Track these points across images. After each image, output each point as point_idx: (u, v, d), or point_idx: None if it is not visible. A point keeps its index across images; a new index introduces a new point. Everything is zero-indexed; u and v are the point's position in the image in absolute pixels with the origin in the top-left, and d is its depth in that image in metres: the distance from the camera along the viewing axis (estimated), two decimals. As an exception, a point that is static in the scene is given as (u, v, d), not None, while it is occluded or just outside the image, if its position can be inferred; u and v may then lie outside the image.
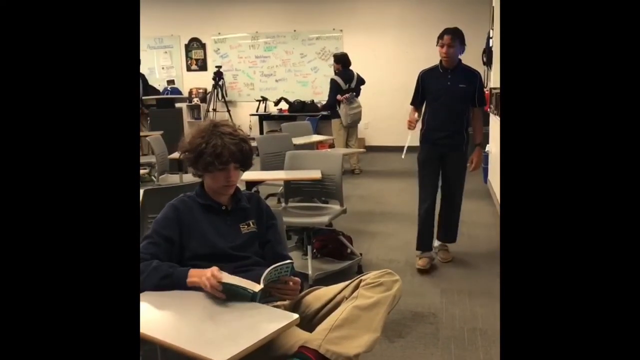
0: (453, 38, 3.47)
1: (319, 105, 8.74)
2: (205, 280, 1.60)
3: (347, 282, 1.79)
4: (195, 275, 1.66)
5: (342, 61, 6.96)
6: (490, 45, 6.24)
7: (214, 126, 1.89)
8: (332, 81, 6.97)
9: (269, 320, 1.49)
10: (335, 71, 7.04)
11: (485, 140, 3.39)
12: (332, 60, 7.55)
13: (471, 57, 7.72)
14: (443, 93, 3.57)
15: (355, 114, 6.88)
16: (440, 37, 3.51)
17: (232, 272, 1.71)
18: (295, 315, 1.49)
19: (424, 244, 3.71)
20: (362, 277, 1.75)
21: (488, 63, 6.55)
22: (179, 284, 1.66)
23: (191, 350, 1.31)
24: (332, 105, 6.97)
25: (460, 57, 3.56)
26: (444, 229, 3.84)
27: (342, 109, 6.81)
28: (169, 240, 1.79)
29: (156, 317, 1.55)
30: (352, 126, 6.95)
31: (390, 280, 1.73)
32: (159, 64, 10.18)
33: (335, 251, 3.70)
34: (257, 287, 1.59)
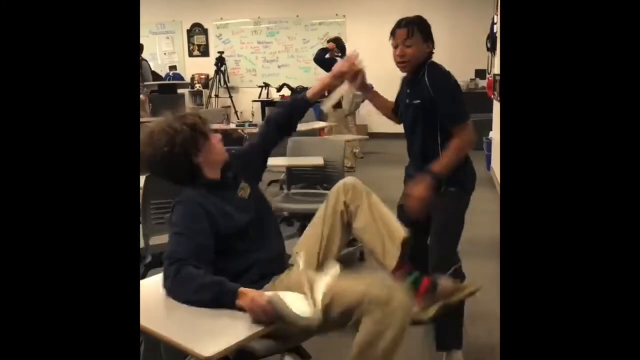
0: (410, 32, 2.23)
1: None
2: (256, 309, 1.44)
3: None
4: (247, 298, 1.49)
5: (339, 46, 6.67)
6: (495, 31, 6.19)
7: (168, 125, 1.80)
8: None
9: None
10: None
11: (456, 169, 2.26)
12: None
13: (475, 43, 7.71)
14: (403, 112, 2.45)
15: (358, 103, 6.79)
16: (392, 32, 2.30)
17: (263, 239, 1.80)
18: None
19: None
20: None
21: (492, 49, 6.49)
22: (225, 303, 1.51)
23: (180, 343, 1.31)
24: None
25: (433, 52, 2.32)
26: (439, 327, 2.42)
27: (346, 96, 6.61)
28: (202, 232, 1.69)
29: (154, 309, 1.54)
30: (352, 113, 6.88)
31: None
32: (161, 49, 10.14)
33: (337, 238, 3.69)
34: (311, 307, 1.46)
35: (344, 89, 2.38)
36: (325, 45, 6.85)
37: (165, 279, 1.60)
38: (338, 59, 6.49)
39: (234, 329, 1.39)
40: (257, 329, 1.38)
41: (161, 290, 1.60)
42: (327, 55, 6.56)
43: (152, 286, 1.62)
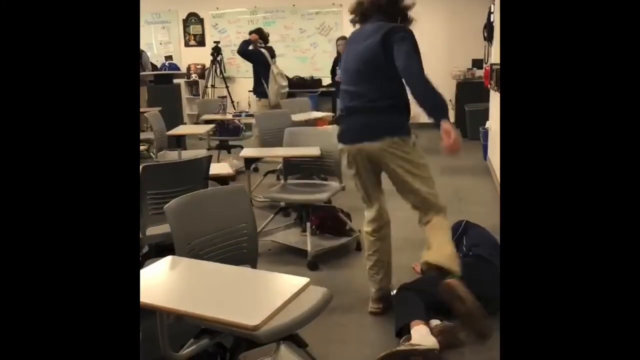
0: None
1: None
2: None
3: None
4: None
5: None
6: (492, 20, 6.17)
7: None
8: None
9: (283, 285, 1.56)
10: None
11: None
12: (331, 35, 7.45)
13: (472, 33, 7.68)
14: None
15: (284, 94, 6.39)
16: None
17: None
18: (306, 280, 1.53)
19: None
20: None
21: (489, 38, 6.48)
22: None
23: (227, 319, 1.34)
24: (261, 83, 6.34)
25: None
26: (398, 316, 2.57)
27: (271, 87, 6.14)
28: None
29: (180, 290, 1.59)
30: (278, 107, 6.13)
31: None
32: (157, 39, 10.07)
33: (334, 228, 3.71)
34: None
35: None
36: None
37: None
38: (262, 49, 6.30)
39: (266, 301, 1.44)
40: (287, 297, 1.43)
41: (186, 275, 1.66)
42: (251, 47, 6.32)
43: (177, 273, 1.66)
